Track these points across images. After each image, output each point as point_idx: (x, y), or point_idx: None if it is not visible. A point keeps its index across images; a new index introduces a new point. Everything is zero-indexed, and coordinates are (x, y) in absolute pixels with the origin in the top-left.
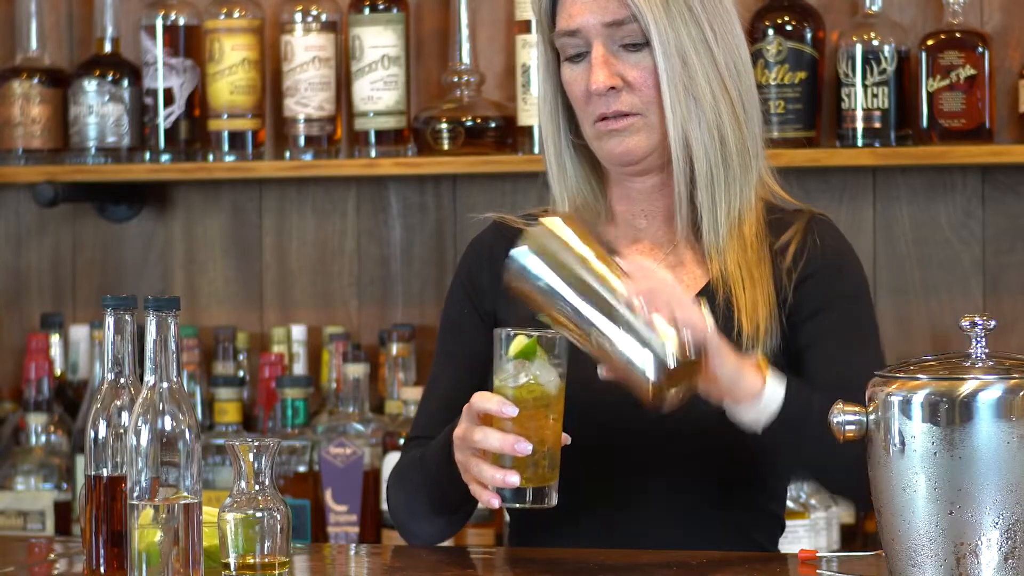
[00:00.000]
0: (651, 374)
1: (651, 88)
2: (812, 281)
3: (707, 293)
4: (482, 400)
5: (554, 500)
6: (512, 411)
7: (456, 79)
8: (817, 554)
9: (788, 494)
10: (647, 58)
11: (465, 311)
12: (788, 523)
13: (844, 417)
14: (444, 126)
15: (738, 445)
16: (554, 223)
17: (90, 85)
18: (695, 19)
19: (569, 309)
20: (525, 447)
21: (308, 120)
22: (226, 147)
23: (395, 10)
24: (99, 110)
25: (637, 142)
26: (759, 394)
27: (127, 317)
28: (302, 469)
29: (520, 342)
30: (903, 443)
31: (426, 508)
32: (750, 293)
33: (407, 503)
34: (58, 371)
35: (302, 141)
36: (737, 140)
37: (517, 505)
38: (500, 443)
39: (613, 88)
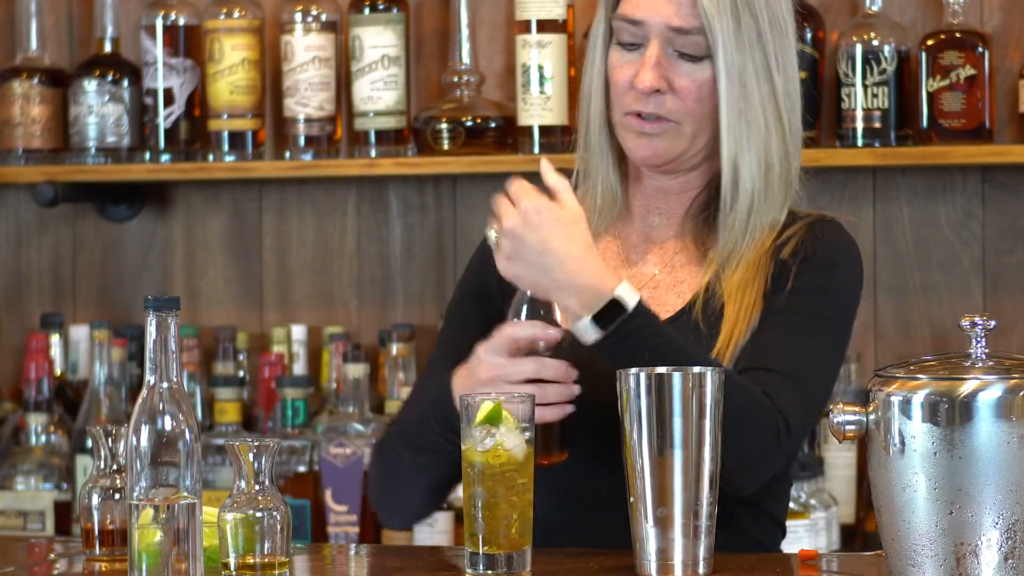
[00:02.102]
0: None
1: (694, 100)
2: (795, 267)
3: (694, 301)
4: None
5: (527, 566)
6: (572, 375)
7: (456, 79)
8: (817, 554)
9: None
10: (700, 71)
11: (486, 282)
12: (788, 523)
13: (844, 417)
14: (444, 126)
15: None
16: None
17: (90, 85)
18: (762, 45)
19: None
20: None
21: (308, 120)
22: (226, 147)
23: (395, 10)
24: (99, 110)
25: (664, 148)
26: (590, 289)
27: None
28: (302, 469)
29: (485, 407)
30: (903, 443)
31: (412, 454)
32: (735, 307)
33: (395, 462)
34: (58, 371)
35: (302, 141)
36: (783, 169)
37: (490, 572)
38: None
39: (658, 91)
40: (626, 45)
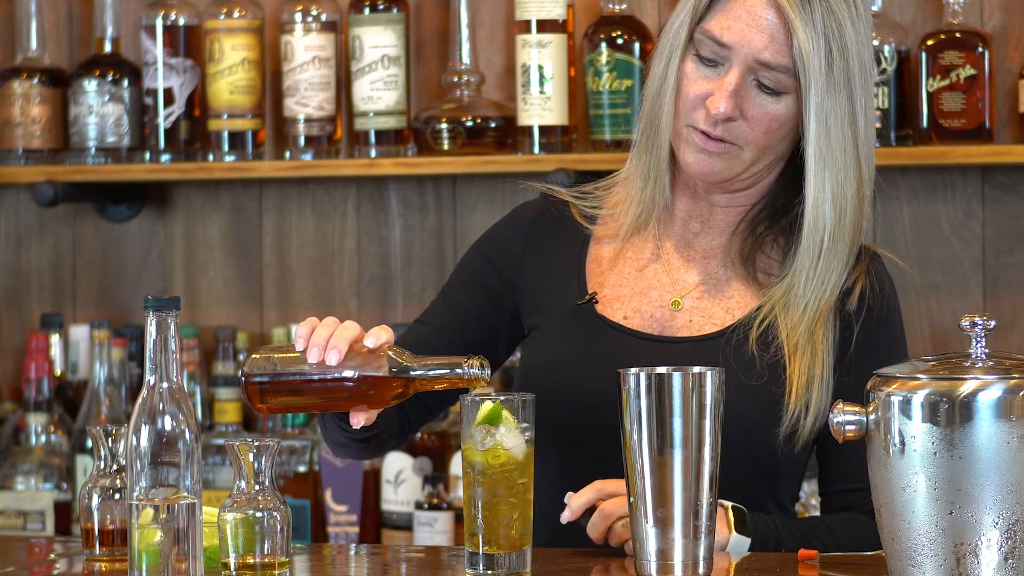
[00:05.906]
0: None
1: (763, 131)
2: (866, 339)
3: (747, 323)
4: None
5: (527, 566)
6: (332, 359)
7: (456, 79)
8: (817, 554)
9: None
10: (774, 104)
11: (480, 268)
12: None
13: (844, 417)
14: (444, 126)
15: (751, 456)
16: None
17: (90, 85)
18: (849, 90)
19: None
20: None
21: (308, 120)
22: (226, 147)
23: (395, 10)
24: (99, 110)
25: (721, 168)
26: (724, 544)
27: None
28: (302, 469)
29: (486, 407)
30: (903, 443)
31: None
32: (802, 362)
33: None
34: (58, 371)
35: (302, 141)
36: (856, 216)
37: (490, 572)
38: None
39: (730, 119)
40: (704, 60)
